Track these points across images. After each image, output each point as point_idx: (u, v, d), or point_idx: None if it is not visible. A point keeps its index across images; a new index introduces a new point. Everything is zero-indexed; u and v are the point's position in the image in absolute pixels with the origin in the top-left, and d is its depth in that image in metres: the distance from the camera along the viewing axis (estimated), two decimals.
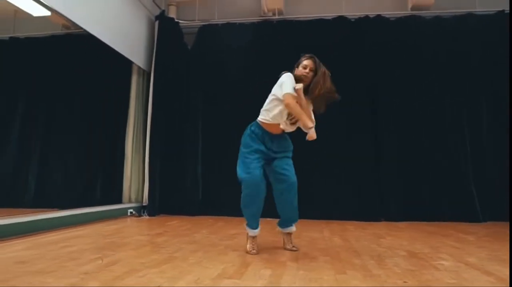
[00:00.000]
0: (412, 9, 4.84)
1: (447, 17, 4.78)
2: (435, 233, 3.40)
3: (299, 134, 2.47)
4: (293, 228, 2.55)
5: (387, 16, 4.84)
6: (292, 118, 2.42)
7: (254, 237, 2.46)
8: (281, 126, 2.44)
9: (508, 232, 3.46)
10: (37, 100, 4.73)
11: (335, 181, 4.59)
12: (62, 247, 2.44)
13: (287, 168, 2.45)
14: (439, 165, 4.51)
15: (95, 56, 4.70)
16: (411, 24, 4.79)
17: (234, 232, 3.31)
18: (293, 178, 2.43)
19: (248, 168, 2.35)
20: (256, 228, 2.46)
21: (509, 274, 1.87)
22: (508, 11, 4.58)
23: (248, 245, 2.43)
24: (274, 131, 2.46)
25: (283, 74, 2.45)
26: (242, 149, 2.46)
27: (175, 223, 3.92)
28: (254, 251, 2.37)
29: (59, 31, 4.81)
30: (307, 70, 2.44)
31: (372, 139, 4.66)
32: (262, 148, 2.43)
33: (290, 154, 2.55)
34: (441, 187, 4.44)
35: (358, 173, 4.57)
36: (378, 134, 4.65)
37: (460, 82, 4.64)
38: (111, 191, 4.64)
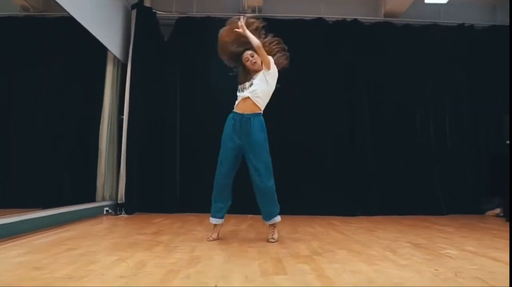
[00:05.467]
0: (385, 15, 5.14)
1: (415, 25, 5.16)
2: (415, 225, 3.67)
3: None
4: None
5: (362, 21, 5.09)
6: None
7: None
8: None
9: (473, 222, 3.86)
10: None
11: (313, 178, 4.74)
12: (67, 249, 2.25)
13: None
14: (408, 163, 4.88)
15: (64, 43, 4.36)
16: (384, 30, 5.10)
17: (230, 229, 3.29)
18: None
19: None
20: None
21: (509, 274, 2.08)
22: (470, 24, 5.10)
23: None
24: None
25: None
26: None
27: (162, 221, 3.78)
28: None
29: (17, 12, 4.40)
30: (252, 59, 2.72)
31: (349, 137, 4.89)
32: None
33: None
34: (411, 183, 4.81)
35: (334, 170, 4.77)
36: (355, 132, 4.89)
37: (427, 85, 5.06)
38: (82, 189, 4.33)
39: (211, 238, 2.66)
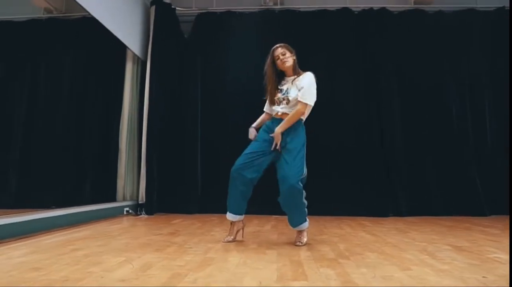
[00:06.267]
0: (415, 2, 4.80)
1: (449, 12, 4.78)
2: (454, 226, 3.33)
3: None
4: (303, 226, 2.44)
5: (390, 9, 4.77)
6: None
7: None
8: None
9: None
10: (18, 89, 4.27)
11: (341, 177, 4.46)
12: (72, 250, 2.13)
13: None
14: (444, 160, 4.49)
15: (85, 43, 4.34)
16: (414, 18, 4.75)
17: (252, 229, 3.09)
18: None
19: None
20: None
21: (509, 274, 1.78)
22: (508, 8, 4.65)
23: None
24: None
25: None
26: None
27: (181, 222, 3.64)
28: None
29: (40, 15, 4.42)
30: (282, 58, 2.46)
31: (379, 133, 4.56)
32: None
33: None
34: (447, 182, 4.42)
35: (364, 169, 4.47)
36: (385, 128, 4.56)
37: (462, 76, 4.65)
38: (103, 189, 4.27)
39: (225, 239, 2.46)
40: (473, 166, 4.44)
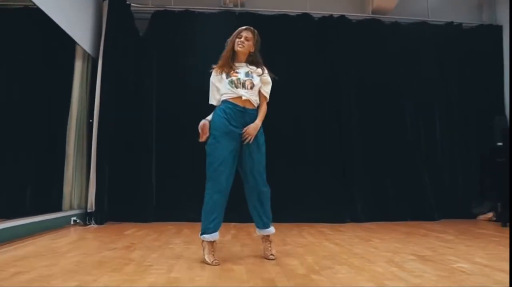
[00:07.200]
0: (372, 12, 4.94)
1: (404, 23, 4.98)
2: (411, 233, 3.44)
3: None
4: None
5: (349, 17, 4.87)
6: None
7: None
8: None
9: (470, 227, 3.66)
10: None
11: (298, 183, 4.45)
12: (15, 274, 1.86)
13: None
14: (399, 167, 4.65)
15: (27, 36, 3.92)
16: (371, 27, 4.89)
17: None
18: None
19: None
20: None
21: (509, 274, 1.86)
22: (457, 23, 4.96)
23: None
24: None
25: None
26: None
27: (135, 232, 3.40)
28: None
29: None
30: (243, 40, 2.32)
31: (335, 137, 4.63)
32: None
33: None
34: (401, 190, 4.59)
35: (322, 175, 4.49)
36: (342, 132, 4.64)
37: (415, 85, 4.87)
38: (48, 197, 3.89)
39: (213, 262, 2.10)
40: (424, 173, 4.64)
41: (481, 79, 4.95)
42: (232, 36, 2.36)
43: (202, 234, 2.20)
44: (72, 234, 3.35)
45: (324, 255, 2.41)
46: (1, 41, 3.97)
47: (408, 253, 2.43)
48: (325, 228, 3.78)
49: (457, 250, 2.54)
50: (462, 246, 2.73)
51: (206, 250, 2.17)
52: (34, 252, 2.44)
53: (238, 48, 2.31)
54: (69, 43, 3.94)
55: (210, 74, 2.41)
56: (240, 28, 2.37)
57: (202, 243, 2.22)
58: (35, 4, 3.27)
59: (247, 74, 2.30)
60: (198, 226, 3.70)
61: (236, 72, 2.29)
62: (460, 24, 5.06)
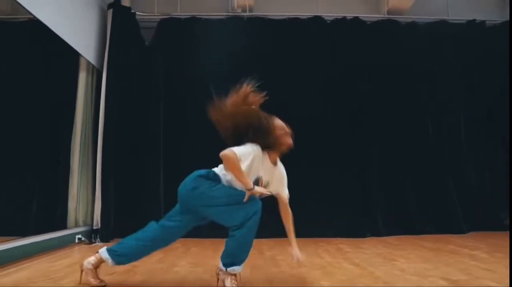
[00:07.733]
0: (388, 13, 4.69)
1: (421, 23, 4.71)
2: (438, 249, 3.13)
3: None
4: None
5: (363, 19, 4.63)
6: None
7: None
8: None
9: (505, 243, 3.33)
10: None
11: (317, 196, 4.19)
12: None
13: None
14: (420, 174, 4.36)
15: (32, 49, 3.84)
16: (387, 28, 4.63)
17: (209, 260, 2.73)
18: None
19: None
20: None
21: (509, 274, 1.58)
22: (480, 20, 4.66)
23: None
24: None
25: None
26: None
27: None
28: None
29: None
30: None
31: (352, 145, 4.36)
32: None
33: None
34: (424, 200, 4.29)
35: (341, 187, 4.23)
36: (358, 140, 4.38)
37: (436, 87, 4.58)
38: (52, 214, 3.75)
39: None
40: (449, 180, 4.32)
41: (507, 80, 4.61)
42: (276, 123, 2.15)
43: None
44: (75, 255, 3.18)
45: (342, 279, 2.15)
46: (6, 54, 3.91)
47: (438, 277, 2.15)
48: (343, 244, 3.51)
49: (495, 273, 2.24)
50: (501, 267, 2.42)
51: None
52: (26, 279, 2.26)
53: (285, 147, 2.18)
54: (73, 55, 3.84)
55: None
56: (275, 119, 2.16)
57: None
58: (35, 17, 3.18)
59: (267, 183, 2.22)
60: (207, 242, 3.56)
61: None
62: (483, 22, 4.75)
